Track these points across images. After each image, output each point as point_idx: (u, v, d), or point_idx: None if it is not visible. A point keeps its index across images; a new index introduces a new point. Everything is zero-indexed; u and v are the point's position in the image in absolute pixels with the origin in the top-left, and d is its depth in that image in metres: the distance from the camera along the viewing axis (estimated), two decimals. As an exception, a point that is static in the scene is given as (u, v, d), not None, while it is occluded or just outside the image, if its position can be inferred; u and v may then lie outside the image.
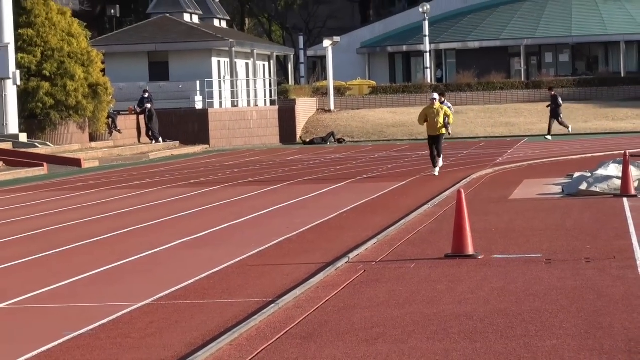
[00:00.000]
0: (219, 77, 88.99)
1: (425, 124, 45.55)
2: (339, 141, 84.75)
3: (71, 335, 15.74)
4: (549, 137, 74.09)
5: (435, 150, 45.10)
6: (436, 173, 45.34)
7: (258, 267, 22.43)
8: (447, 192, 35.71)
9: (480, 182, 42.48)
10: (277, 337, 15.35)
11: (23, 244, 28.32)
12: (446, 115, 43.68)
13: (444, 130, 44.13)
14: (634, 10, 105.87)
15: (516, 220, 29.39)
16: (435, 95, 44.98)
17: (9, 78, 63.01)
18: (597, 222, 28.09)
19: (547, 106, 77.42)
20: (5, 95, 63.24)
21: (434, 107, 43.82)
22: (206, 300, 18.63)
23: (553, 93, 79.06)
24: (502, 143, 73.58)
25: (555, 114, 76.17)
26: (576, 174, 39.66)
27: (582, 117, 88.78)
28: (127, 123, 78.12)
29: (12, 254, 26.07)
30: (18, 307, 18.98)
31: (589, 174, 38.42)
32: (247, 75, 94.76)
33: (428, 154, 46.55)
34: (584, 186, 36.10)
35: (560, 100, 78.42)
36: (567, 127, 78.78)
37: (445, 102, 65.42)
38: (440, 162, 45.79)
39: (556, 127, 78.34)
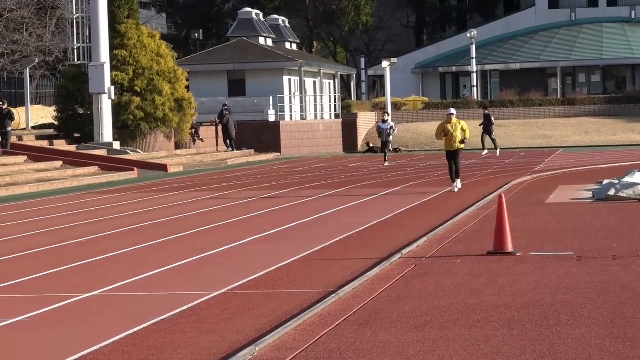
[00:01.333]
0: (290, 93, 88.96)
1: (444, 139, 40.26)
2: (395, 150, 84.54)
3: (154, 320, 15.89)
4: (484, 153, 73.04)
5: (454, 167, 39.93)
6: (456, 189, 40.13)
7: (321, 261, 22.46)
8: (490, 197, 35.58)
9: (519, 188, 42.28)
10: (337, 323, 15.39)
11: (116, 239, 28.46)
12: (463, 131, 38.27)
13: (462, 146, 38.98)
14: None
15: (551, 222, 29.29)
16: (453, 111, 39.60)
17: (105, 93, 63.28)
18: (624, 224, 27.95)
19: (480, 124, 75.63)
20: (101, 108, 63.51)
21: (452, 122, 38.64)
22: (275, 290, 18.70)
23: (486, 112, 77.69)
24: (539, 153, 73.13)
25: (487, 131, 74.88)
26: (605, 181, 39.51)
27: (611, 130, 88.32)
28: (208, 133, 78.19)
29: (106, 248, 26.19)
30: (110, 294, 19.09)
31: (617, 181, 38.24)
32: (315, 92, 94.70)
33: (474, 163, 46.38)
34: (612, 192, 35.99)
35: (492, 119, 77.18)
36: (496, 148, 75.87)
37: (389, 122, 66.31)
38: (459, 182, 40.41)
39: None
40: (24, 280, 21.19)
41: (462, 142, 38.52)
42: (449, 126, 38.63)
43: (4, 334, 15.49)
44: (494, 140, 75.22)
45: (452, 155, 39.29)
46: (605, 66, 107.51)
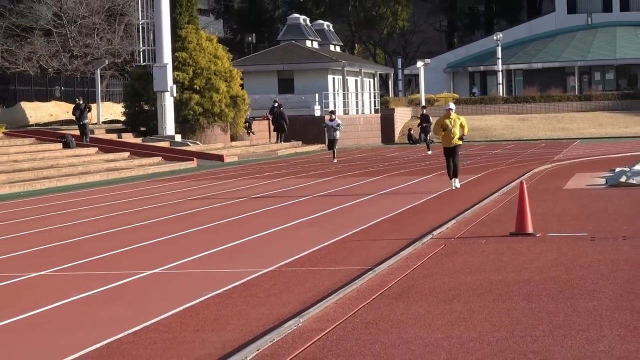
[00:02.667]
0: (334, 90, 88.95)
1: (442, 135, 34.75)
2: (431, 142, 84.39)
3: (209, 295, 15.97)
4: (429, 152, 67.85)
5: (452, 164, 34.34)
6: (455, 186, 34.90)
7: (359, 241, 22.49)
8: (513, 183, 35.51)
9: (540, 175, 42.14)
10: (373, 297, 15.45)
11: (176, 222, 28.53)
12: (462, 127, 33.33)
13: (460, 142, 33.75)
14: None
15: (568, 206, 29.24)
16: (452, 106, 34.33)
17: (167, 91, 63.44)
18: (633, 207, 27.89)
19: (418, 125, 73.33)
20: (164, 104, 63.69)
21: (450, 117, 33.31)
22: (317, 268, 18.75)
23: (424, 112, 75.00)
24: (558, 144, 72.90)
25: (425, 131, 71.21)
26: (617, 169, 39.39)
27: (623, 123, 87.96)
28: (260, 127, 78.23)
29: (167, 230, 26.28)
30: (169, 272, 19.15)
31: (628, 169, 38.13)
32: (356, 89, 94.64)
33: (499, 153, 45.79)
34: (623, 179, 35.91)
35: (431, 118, 71.62)
36: (429, 150, 70.16)
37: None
38: (457, 182, 34.82)
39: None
40: (93, 259, 21.28)
41: (460, 138, 33.51)
42: (447, 121, 33.46)
43: (75, 307, 15.58)
44: (427, 140, 71.48)
45: (451, 152, 33.86)
46: (619, 65, 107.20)
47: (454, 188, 34.81)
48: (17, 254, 22.70)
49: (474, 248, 20.92)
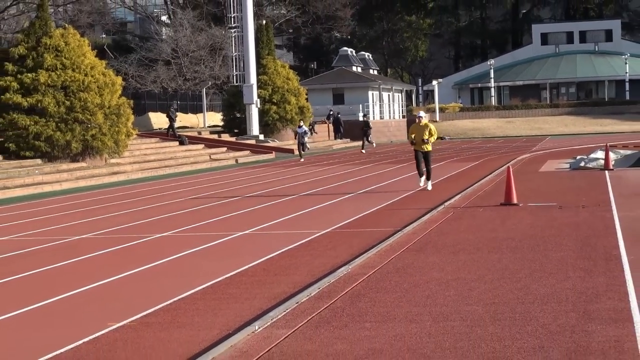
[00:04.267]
0: (372, 102, 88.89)
1: (413, 140, 28.50)
2: (441, 138, 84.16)
3: (284, 249, 15.98)
4: (363, 151, 62.18)
5: (426, 168, 28.52)
6: (425, 185, 28.33)
7: (391, 210, 22.44)
8: (502, 168, 35.28)
9: (522, 162, 41.90)
10: (401, 250, 15.45)
11: (265, 198, 28.33)
12: (430, 134, 27.79)
13: (429, 147, 28.10)
14: (613, 62, 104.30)
15: (542, 184, 29.06)
16: (422, 114, 28.82)
17: (253, 103, 63.59)
18: (589, 184, 27.69)
19: (362, 128, 65.93)
20: (251, 113, 63.85)
21: (420, 124, 28.05)
22: (361, 230, 18.77)
23: (365, 119, 69.35)
24: (535, 139, 72.56)
25: (365, 134, 64.79)
26: (578, 157, 39.35)
27: (582, 124, 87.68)
28: (320, 128, 78.03)
29: (255, 202, 26.22)
30: (255, 233, 19.13)
31: (586, 157, 38.05)
32: (389, 101, 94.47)
33: (492, 146, 45.89)
34: (582, 164, 35.79)
35: (370, 124, 68.35)
36: (370, 145, 65.92)
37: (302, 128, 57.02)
38: (429, 182, 28.28)
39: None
40: (200, 225, 21.33)
41: (426, 141, 27.15)
42: (418, 128, 27.72)
43: (187, 260, 15.62)
44: (369, 142, 65.56)
45: (422, 156, 27.82)
46: (578, 82, 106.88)
47: (426, 188, 27.67)
48: (147, 220, 22.81)
49: (474, 214, 20.85)
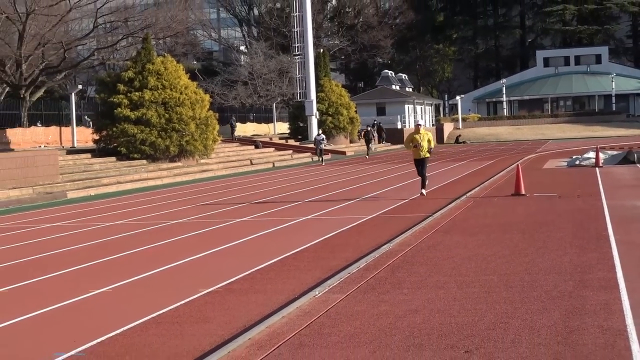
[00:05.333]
0: (408, 113, 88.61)
1: (412, 149, 24.53)
2: (463, 142, 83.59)
3: (337, 232, 15.99)
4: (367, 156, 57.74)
5: (421, 174, 24.57)
6: (422, 193, 23.83)
7: (425, 199, 22.30)
8: (513, 165, 35.05)
9: (529, 160, 41.58)
10: (432, 231, 15.47)
11: (321, 189, 28.28)
12: (429, 141, 24.20)
13: (428, 155, 24.47)
14: (602, 80, 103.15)
15: (545, 178, 28.81)
16: (421, 122, 25.38)
17: (313, 115, 63.69)
18: (583, 178, 27.41)
19: (359, 136, 61.02)
20: (311, 123, 63.90)
21: (420, 133, 24.24)
22: (398, 215, 18.76)
23: (369, 128, 63.51)
24: (539, 143, 71.96)
25: (368, 142, 59.41)
26: (574, 157, 38.93)
27: (577, 130, 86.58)
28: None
29: (313, 194, 26.23)
30: (317, 218, 19.16)
31: (580, 156, 37.63)
32: (421, 113, 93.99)
33: (504, 148, 45.59)
34: (577, 162, 35.44)
35: (371, 135, 62.57)
36: (369, 152, 59.91)
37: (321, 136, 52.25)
38: (424, 191, 23.97)
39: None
40: (271, 211, 21.38)
41: (429, 151, 23.78)
42: (417, 137, 23.69)
43: (261, 239, 15.67)
44: (369, 148, 59.52)
45: (420, 163, 24.05)
46: (573, 97, 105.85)
47: (424, 194, 23.43)
48: (230, 208, 22.93)
49: (490, 203, 20.73)
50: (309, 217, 19.38)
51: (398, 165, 43.44)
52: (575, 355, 6.98)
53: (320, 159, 50.39)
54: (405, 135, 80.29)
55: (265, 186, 32.02)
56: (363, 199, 23.94)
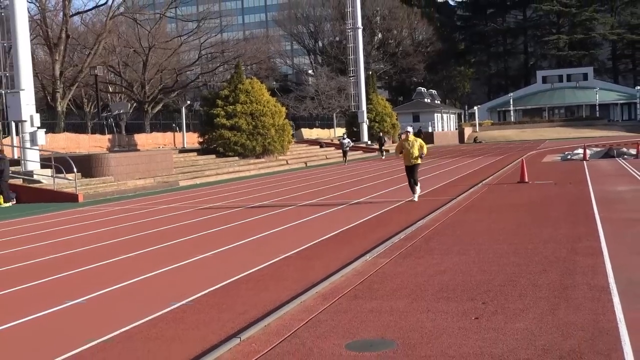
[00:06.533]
0: (437, 120, 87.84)
1: (402, 155, 19.00)
2: (480, 142, 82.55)
3: (380, 212, 15.79)
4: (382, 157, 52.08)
5: (412, 179, 18.83)
6: (415, 199, 18.18)
7: (450, 186, 22.05)
8: (519, 159, 34.56)
9: (531, 156, 40.94)
10: (455, 211, 15.30)
11: (365, 179, 28.12)
12: (420, 147, 18.90)
13: (419, 161, 19.02)
14: (588, 93, 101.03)
15: (544, 169, 28.36)
16: (409, 129, 19.90)
17: (364, 122, 63.52)
18: (574, 169, 26.92)
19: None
20: (363, 127, 63.76)
21: (409, 139, 18.91)
22: (432, 197, 18.48)
23: (381, 134, 57.90)
24: (539, 142, 70.80)
25: (381, 144, 53.27)
26: (566, 152, 38.11)
27: (568, 132, 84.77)
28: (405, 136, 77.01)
29: (360, 183, 26.07)
30: (365, 202, 19.05)
31: (571, 152, 36.89)
32: (447, 120, 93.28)
33: (512, 147, 44.74)
34: (569, 157, 34.81)
35: (385, 138, 56.98)
36: (381, 153, 53.66)
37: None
38: (418, 190, 18.65)
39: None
40: (329, 197, 21.29)
41: (420, 157, 18.56)
42: (406, 144, 18.64)
43: (321, 218, 15.64)
44: (381, 150, 52.59)
45: (410, 169, 18.70)
46: (565, 106, 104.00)
47: (415, 199, 17.97)
48: (297, 194, 22.94)
49: (501, 189, 20.44)
50: (361, 200, 19.29)
51: (427, 160, 43.18)
52: (568, 306, 6.86)
53: (345, 159, 45.09)
54: (437, 137, 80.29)
55: (323, 177, 32.00)
56: (402, 186, 23.82)
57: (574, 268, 8.65)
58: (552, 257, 9.46)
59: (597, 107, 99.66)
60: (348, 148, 46.01)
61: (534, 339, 5.86)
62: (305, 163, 46.03)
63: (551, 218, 13.36)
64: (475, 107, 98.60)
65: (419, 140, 18.18)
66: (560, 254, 9.66)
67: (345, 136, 47.82)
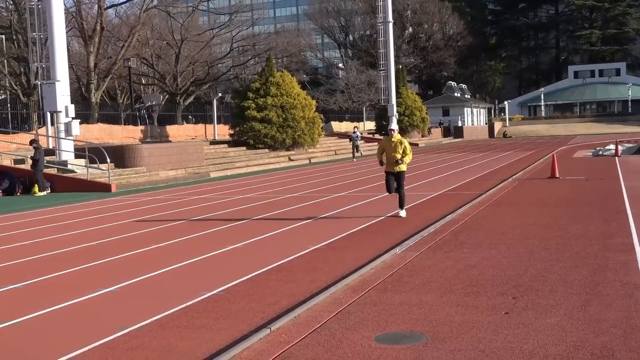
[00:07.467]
0: (466, 114, 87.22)
1: (385, 159, 13.68)
2: (509, 137, 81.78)
3: (384, 217, 15.66)
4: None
5: (398, 192, 13.69)
6: (402, 214, 13.63)
7: (481, 180, 21.85)
8: (549, 155, 34.22)
9: (561, 151, 40.50)
10: (486, 205, 15.20)
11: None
12: (404, 150, 13.38)
13: (403, 167, 13.50)
14: (620, 89, 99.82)
15: (575, 164, 28.04)
16: (394, 126, 13.74)
17: (394, 115, 63.06)
18: (605, 165, 26.59)
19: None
20: (391, 121, 63.12)
21: (393, 140, 13.43)
22: (457, 193, 18.31)
23: (390, 127, 51.44)
24: (570, 137, 69.98)
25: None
26: (597, 148, 37.72)
27: (600, 128, 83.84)
28: (434, 130, 76.82)
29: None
30: (366, 203, 18.94)
31: (602, 148, 36.47)
32: (477, 114, 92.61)
33: (542, 142, 43.80)
34: (600, 152, 34.42)
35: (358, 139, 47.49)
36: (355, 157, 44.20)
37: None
38: (403, 212, 13.63)
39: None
40: (363, 188, 21.19)
41: (397, 162, 13.39)
42: (387, 144, 13.63)
43: (356, 209, 15.60)
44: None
45: (393, 177, 13.61)
46: (597, 101, 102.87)
47: (402, 215, 13.65)
48: (327, 186, 22.87)
49: (531, 184, 20.26)
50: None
51: (459, 153, 42.81)
52: (600, 302, 6.76)
53: (353, 154, 41.96)
54: (466, 132, 79.76)
55: (354, 170, 31.93)
56: (431, 179, 23.64)
57: (605, 264, 8.53)
58: (583, 253, 9.33)
59: (630, 102, 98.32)
60: (359, 141, 42.70)
61: (565, 335, 5.79)
62: (335, 152, 45.92)
63: (582, 214, 13.19)
64: (506, 102, 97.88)
65: (405, 142, 13.55)
66: (592, 250, 9.53)
67: (355, 129, 44.00)
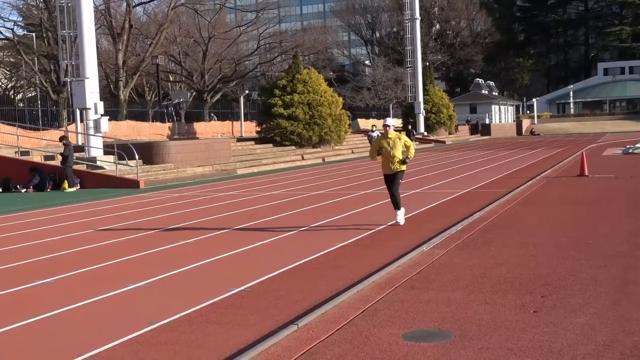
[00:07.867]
0: (494, 112, 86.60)
1: (382, 159, 12.06)
2: (537, 134, 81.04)
3: (439, 202, 15.60)
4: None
5: (391, 194, 12.14)
6: (400, 220, 12.17)
7: (509, 178, 21.68)
8: (577, 153, 33.85)
9: (590, 149, 40.02)
10: (513, 203, 15.13)
11: (425, 169, 27.87)
12: (405, 148, 11.94)
13: (403, 167, 11.90)
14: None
15: (604, 162, 27.70)
16: (389, 121, 11.76)
17: (421, 113, 63.12)
18: (635, 163, 26.23)
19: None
20: (419, 118, 63.32)
21: (389, 137, 11.76)
22: (484, 190, 18.16)
23: (410, 127, 53.83)
24: (599, 135, 69.12)
25: (408, 135, 46.01)
26: (627, 146, 37.10)
27: (629, 126, 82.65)
28: (462, 128, 76.37)
29: (419, 173, 25.73)
30: (427, 191, 18.82)
31: (633, 146, 35.88)
32: (505, 112, 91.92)
33: (571, 140, 43.23)
34: (630, 150, 33.82)
35: (413, 132, 52.67)
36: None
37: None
38: (402, 210, 12.20)
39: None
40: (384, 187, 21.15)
41: (403, 162, 11.90)
42: (384, 142, 11.84)
43: (382, 207, 15.54)
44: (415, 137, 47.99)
45: (390, 179, 12.06)
46: (627, 99, 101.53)
47: (399, 222, 12.23)
48: (353, 183, 22.80)
49: (559, 182, 20.06)
50: (423, 188, 19.14)
51: (487, 151, 42.53)
52: (630, 302, 6.68)
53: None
54: (494, 129, 79.15)
55: (378, 167, 31.83)
56: (460, 177, 23.49)
57: (635, 263, 8.42)
58: (613, 251, 9.23)
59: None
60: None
61: (595, 334, 5.73)
62: (355, 151, 45.89)
63: (612, 212, 13.04)
64: (534, 100, 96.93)
65: (404, 138, 12.10)
66: (622, 248, 9.42)
67: (374, 128, 43.18)
